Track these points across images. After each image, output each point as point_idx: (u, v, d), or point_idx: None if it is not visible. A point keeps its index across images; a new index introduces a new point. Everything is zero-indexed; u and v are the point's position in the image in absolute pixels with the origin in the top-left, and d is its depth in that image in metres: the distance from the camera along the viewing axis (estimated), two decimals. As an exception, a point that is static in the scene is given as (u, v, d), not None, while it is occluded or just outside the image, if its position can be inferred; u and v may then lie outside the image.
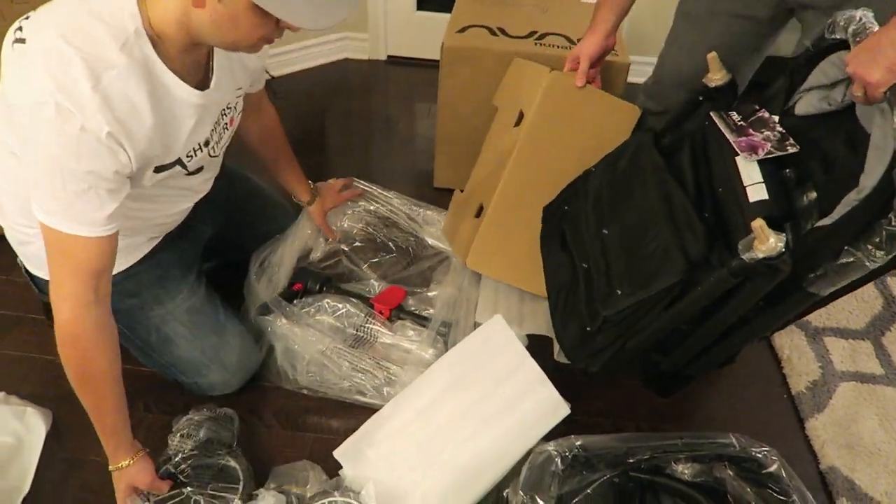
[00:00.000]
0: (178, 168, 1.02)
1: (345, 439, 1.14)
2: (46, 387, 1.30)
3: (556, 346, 1.34)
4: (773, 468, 1.04)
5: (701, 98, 1.20)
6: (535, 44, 1.64)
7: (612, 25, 1.33)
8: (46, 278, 1.14)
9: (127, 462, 1.04)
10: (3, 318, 1.45)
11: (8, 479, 1.14)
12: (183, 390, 1.29)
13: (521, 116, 1.40)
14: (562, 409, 1.15)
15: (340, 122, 2.31)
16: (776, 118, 1.07)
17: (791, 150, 1.01)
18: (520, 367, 1.17)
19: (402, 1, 2.54)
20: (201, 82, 0.98)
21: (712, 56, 1.16)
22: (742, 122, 1.08)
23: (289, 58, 2.53)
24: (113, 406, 1.00)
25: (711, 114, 1.13)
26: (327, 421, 1.29)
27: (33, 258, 1.14)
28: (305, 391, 1.31)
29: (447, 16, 1.79)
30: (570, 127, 1.37)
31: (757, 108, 1.10)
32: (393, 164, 2.10)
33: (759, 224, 0.85)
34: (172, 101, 0.93)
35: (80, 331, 0.93)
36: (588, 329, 1.10)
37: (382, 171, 2.07)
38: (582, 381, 1.33)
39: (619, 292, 1.03)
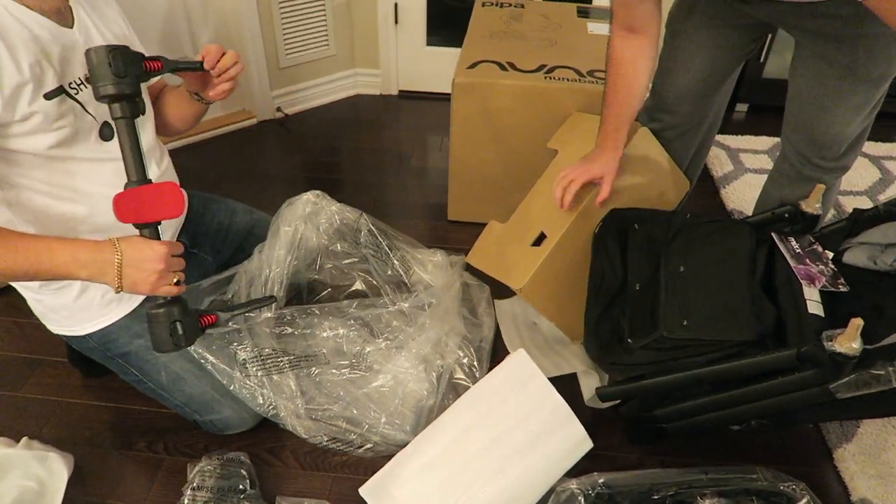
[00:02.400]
0: (69, 101, 0.98)
1: (366, 478, 1.14)
2: (69, 430, 1.31)
3: (587, 393, 1.35)
4: (802, 503, 1.02)
5: (787, 215, 1.31)
6: (545, 77, 1.66)
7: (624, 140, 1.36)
8: (63, 333, 1.18)
9: None
10: (24, 360, 1.46)
11: (30, 525, 1.14)
12: (202, 431, 1.29)
13: None
14: (586, 444, 1.13)
15: (354, 157, 2.34)
16: (830, 254, 1.17)
17: (842, 288, 1.11)
18: (545, 401, 1.15)
19: (412, 37, 2.59)
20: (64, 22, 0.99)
21: (818, 188, 1.27)
22: (800, 251, 1.18)
23: (302, 95, 2.57)
24: None
25: (773, 235, 1.26)
26: (348, 460, 1.28)
27: (45, 313, 1.17)
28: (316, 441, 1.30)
29: (456, 50, 1.83)
30: (640, 177, 1.44)
31: (813, 241, 1.22)
32: (406, 199, 2.12)
33: (858, 323, 0.89)
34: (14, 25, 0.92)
35: None
36: (630, 340, 1.15)
37: (396, 205, 2.09)
38: (603, 416, 1.31)
39: (686, 323, 1.09)
